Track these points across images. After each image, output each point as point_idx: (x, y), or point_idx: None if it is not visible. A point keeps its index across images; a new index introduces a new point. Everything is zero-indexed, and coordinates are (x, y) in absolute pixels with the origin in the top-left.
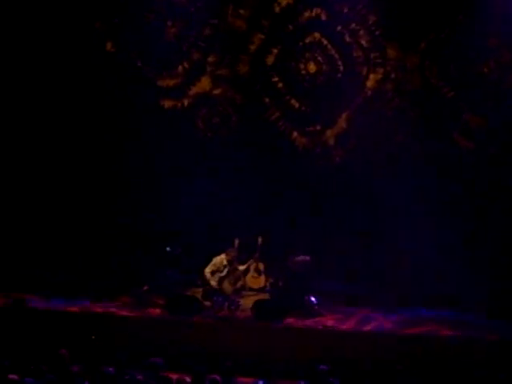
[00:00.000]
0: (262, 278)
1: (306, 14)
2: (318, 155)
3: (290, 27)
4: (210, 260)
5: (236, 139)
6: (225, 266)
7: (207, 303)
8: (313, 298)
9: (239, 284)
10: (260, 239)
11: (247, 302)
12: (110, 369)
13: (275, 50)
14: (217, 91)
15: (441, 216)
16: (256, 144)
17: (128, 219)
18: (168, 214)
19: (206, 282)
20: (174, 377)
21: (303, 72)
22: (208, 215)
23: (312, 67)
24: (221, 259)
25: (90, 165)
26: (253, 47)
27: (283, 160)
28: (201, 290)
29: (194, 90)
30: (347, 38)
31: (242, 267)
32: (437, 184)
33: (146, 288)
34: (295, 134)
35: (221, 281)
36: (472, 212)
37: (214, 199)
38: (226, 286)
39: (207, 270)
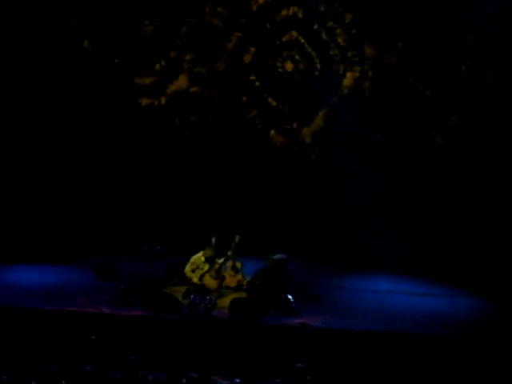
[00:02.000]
0: (239, 276)
1: (283, 13)
2: (294, 153)
3: (268, 25)
4: (189, 258)
5: (213, 137)
6: (204, 263)
7: (184, 301)
8: (290, 296)
9: (222, 273)
10: (237, 237)
11: (224, 300)
12: (88, 367)
13: (252, 49)
14: (194, 89)
15: (416, 212)
16: (233, 142)
17: (104, 216)
18: (145, 211)
19: (188, 281)
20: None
21: (280, 70)
22: (184, 213)
23: (289, 65)
24: (198, 257)
25: (65, 162)
26: (230, 45)
27: (260, 158)
28: (178, 288)
29: (171, 88)
30: (324, 37)
31: (220, 260)
32: (412, 181)
33: (122, 287)
34: (272, 132)
35: (202, 277)
36: (448, 208)
37: (190, 196)
38: (208, 281)
39: (187, 269)
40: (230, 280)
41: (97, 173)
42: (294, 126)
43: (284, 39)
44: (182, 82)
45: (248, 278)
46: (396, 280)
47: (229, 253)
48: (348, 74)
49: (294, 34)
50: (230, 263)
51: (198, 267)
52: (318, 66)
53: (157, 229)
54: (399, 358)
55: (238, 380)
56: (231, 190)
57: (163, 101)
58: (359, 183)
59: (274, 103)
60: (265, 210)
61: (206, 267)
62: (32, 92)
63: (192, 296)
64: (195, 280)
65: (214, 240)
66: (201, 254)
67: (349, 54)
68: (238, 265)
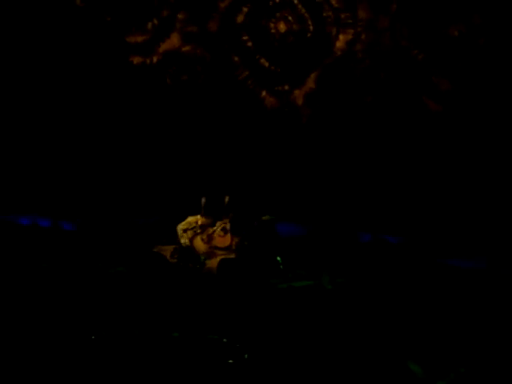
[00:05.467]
0: (228, 236)
1: None
2: (286, 115)
3: None
4: (181, 219)
5: (204, 97)
6: (199, 227)
7: (172, 260)
8: (278, 258)
9: (212, 243)
10: (227, 198)
11: (213, 261)
12: None
13: (245, 9)
14: (186, 48)
15: (406, 178)
16: (224, 103)
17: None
18: (135, 171)
19: (177, 239)
20: None
21: (273, 31)
22: (175, 174)
23: (282, 26)
24: (195, 219)
25: (55, 122)
26: (223, 5)
27: (251, 119)
28: (166, 247)
29: (163, 47)
30: None
31: (214, 227)
32: (404, 146)
33: None
34: (264, 93)
35: (192, 238)
36: (439, 174)
37: (181, 157)
38: (198, 243)
39: (180, 227)
40: (219, 240)
41: (86, 131)
42: (286, 87)
43: (277, 0)
44: (174, 41)
45: (237, 239)
46: None
47: (225, 221)
48: (341, 37)
49: None
50: (219, 224)
51: (191, 228)
52: (311, 27)
53: (146, 188)
54: None
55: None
56: (222, 151)
57: (155, 60)
58: (350, 146)
59: (267, 64)
60: (255, 171)
61: (199, 230)
62: (21, 50)
63: (181, 255)
64: (185, 240)
65: (203, 200)
66: (198, 216)
67: (342, 15)
68: (228, 225)
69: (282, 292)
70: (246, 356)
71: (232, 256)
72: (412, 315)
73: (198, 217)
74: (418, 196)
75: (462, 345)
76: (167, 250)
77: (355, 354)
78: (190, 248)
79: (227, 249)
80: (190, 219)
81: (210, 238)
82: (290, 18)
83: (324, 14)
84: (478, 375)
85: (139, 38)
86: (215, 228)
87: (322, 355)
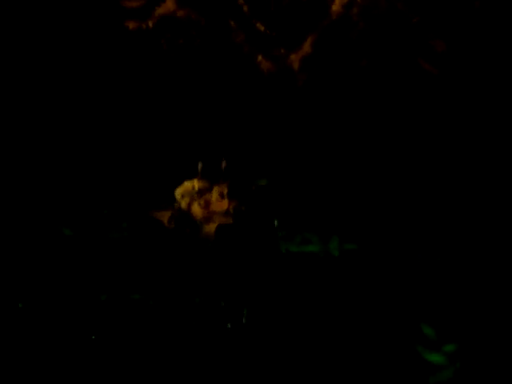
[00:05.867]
0: (225, 201)
1: None
2: (282, 79)
3: None
4: (177, 183)
5: (201, 62)
6: (196, 192)
7: (170, 226)
8: (275, 222)
9: (209, 207)
10: (224, 162)
11: (211, 226)
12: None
13: None
14: (181, 13)
15: (401, 142)
16: (221, 67)
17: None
18: (132, 134)
19: (175, 204)
20: None
21: None
22: (170, 138)
23: None
24: (192, 183)
25: (51, 88)
26: None
27: (247, 83)
28: (163, 213)
29: (158, 11)
30: None
31: (212, 191)
32: (400, 109)
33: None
34: (260, 57)
35: (190, 203)
36: (434, 136)
37: (176, 121)
38: (196, 209)
39: (178, 192)
40: (217, 205)
41: (83, 96)
42: (282, 51)
43: None
44: (169, 5)
45: (234, 203)
46: None
47: (223, 185)
48: (337, 0)
49: None
50: (216, 188)
51: (188, 193)
52: None
53: (142, 152)
54: None
55: None
56: (217, 115)
57: (150, 24)
58: (345, 110)
59: (262, 28)
60: (250, 135)
61: (196, 195)
62: (13, 16)
63: (178, 221)
64: (183, 205)
65: (200, 165)
66: (195, 180)
67: None
68: (225, 190)
69: (282, 257)
70: (244, 320)
71: (230, 220)
72: (427, 277)
73: (195, 181)
74: (419, 167)
75: (476, 309)
76: (164, 216)
77: (365, 316)
78: (188, 213)
79: (225, 213)
80: (187, 184)
81: (208, 202)
82: None
83: None
84: (490, 340)
85: (134, 3)
86: (212, 192)
87: (328, 318)
